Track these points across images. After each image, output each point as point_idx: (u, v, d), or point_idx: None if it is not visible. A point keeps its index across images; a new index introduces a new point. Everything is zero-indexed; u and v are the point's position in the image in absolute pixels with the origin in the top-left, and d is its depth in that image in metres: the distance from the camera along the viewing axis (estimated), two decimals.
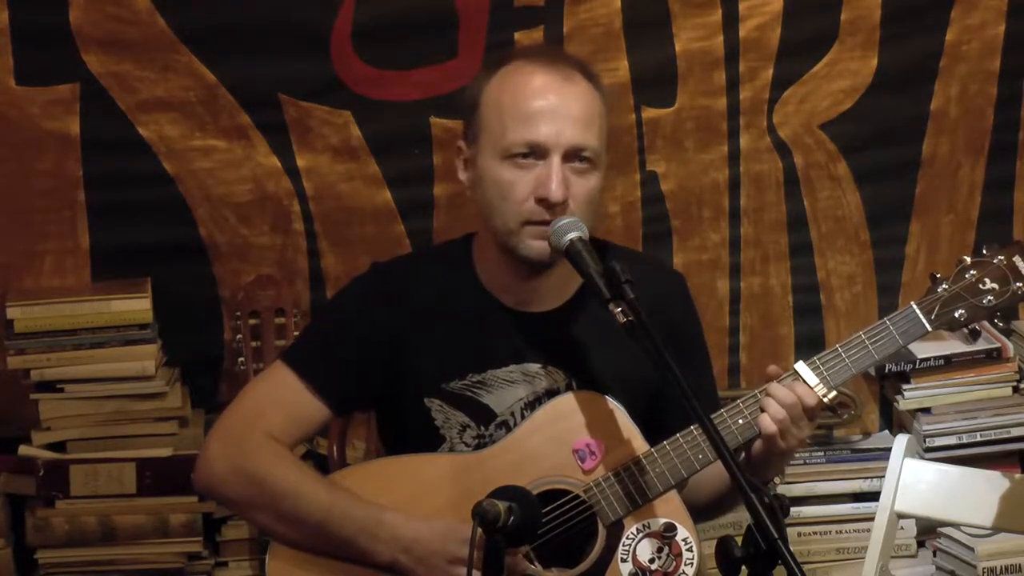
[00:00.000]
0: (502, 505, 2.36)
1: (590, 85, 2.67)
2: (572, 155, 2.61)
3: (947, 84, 3.82)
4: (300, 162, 3.69)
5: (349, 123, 3.67)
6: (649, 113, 3.75)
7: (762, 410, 2.57)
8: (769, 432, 2.55)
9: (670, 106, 3.75)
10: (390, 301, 2.72)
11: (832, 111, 3.80)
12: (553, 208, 2.59)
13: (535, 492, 2.53)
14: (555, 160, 2.60)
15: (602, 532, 2.58)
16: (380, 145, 3.70)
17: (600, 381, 2.68)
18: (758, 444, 2.59)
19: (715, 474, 2.66)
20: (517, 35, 3.65)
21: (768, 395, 2.57)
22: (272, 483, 2.63)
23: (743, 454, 2.63)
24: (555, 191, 2.58)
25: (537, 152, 2.60)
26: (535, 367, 2.70)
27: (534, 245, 2.62)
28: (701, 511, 2.70)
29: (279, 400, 2.70)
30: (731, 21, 3.72)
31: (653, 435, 2.62)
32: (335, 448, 3.25)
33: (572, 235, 2.55)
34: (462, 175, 2.72)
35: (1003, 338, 3.80)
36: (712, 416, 2.52)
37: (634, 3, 3.68)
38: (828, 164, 3.83)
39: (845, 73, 3.78)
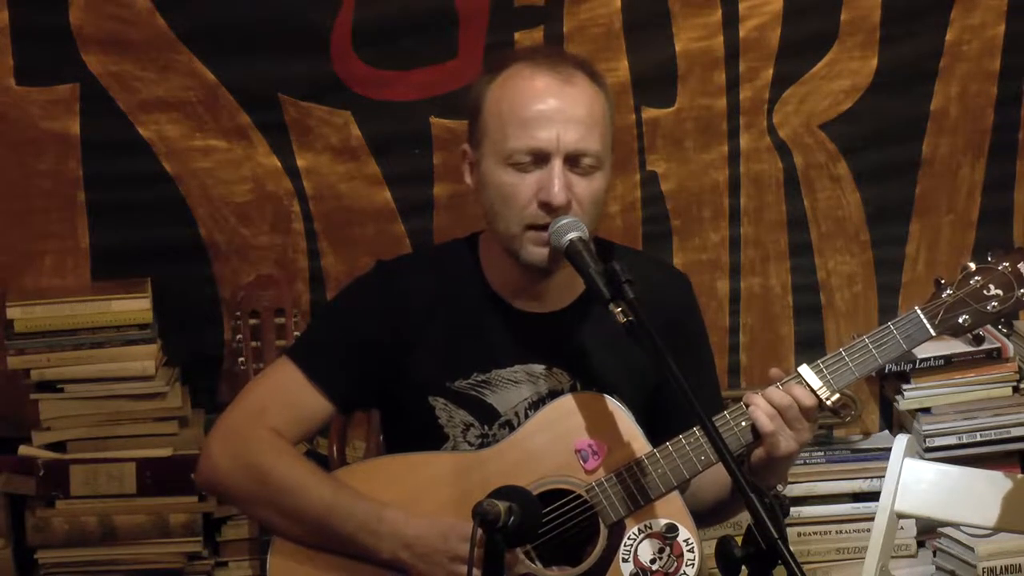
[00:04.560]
0: (502, 505, 2.35)
1: (592, 85, 2.64)
2: (574, 158, 2.60)
3: (947, 84, 3.82)
4: (300, 162, 3.69)
5: (349, 123, 3.67)
6: (649, 113, 3.75)
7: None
8: (767, 429, 2.54)
9: (670, 106, 3.75)
10: (394, 300, 2.72)
11: (832, 111, 3.80)
12: (556, 212, 2.57)
13: (537, 492, 2.53)
14: (557, 164, 2.58)
15: (604, 532, 2.58)
16: (380, 145, 3.70)
17: (603, 382, 2.68)
18: (759, 451, 2.59)
19: (716, 480, 2.66)
20: (517, 35, 3.65)
21: (763, 395, 2.57)
22: (275, 478, 2.63)
23: (744, 462, 2.63)
24: (557, 195, 2.57)
25: (539, 157, 2.59)
26: (539, 368, 2.70)
27: (535, 251, 2.61)
28: (702, 518, 2.68)
29: (283, 396, 2.70)
30: (731, 21, 3.72)
31: (656, 436, 2.61)
32: (335, 448, 3.26)
33: (572, 235, 2.54)
34: (468, 178, 2.71)
35: (1003, 338, 3.80)
36: (715, 417, 2.52)
37: (634, 3, 3.68)
38: (828, 164, 3.83)
39: (845, 73, 3.78)
